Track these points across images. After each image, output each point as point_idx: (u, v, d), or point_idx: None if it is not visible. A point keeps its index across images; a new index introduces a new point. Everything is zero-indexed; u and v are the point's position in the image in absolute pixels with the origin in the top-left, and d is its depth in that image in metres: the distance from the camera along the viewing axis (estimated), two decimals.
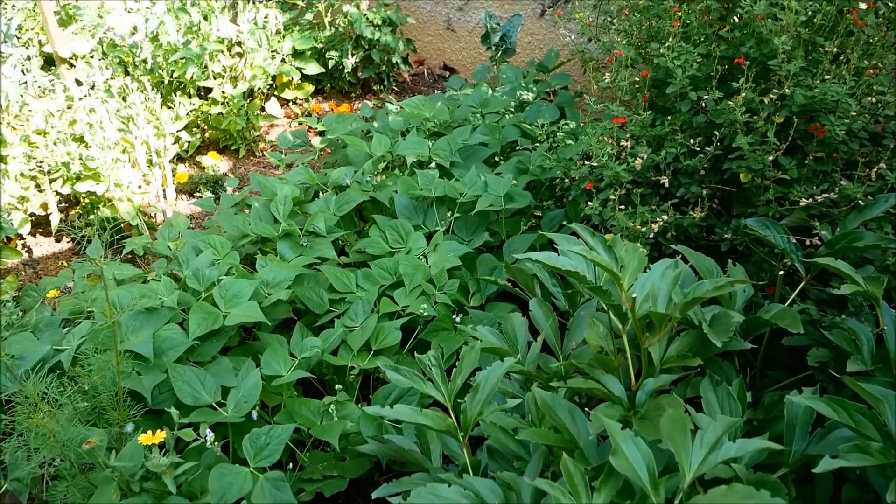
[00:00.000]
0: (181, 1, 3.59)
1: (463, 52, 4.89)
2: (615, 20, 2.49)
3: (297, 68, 4.15)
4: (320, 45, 4.30)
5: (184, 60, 3.50)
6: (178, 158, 3.81)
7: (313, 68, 4.24)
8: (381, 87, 4.60)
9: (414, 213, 2.76)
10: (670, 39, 2.08)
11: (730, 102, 1.91)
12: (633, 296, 1.24)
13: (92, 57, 3.33)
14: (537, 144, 3.19)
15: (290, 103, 4.43)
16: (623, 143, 2.00)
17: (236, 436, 1.91)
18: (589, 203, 2.06)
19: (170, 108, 3.80)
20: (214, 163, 3.70)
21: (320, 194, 2.87)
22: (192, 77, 3.53)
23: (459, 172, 2.96)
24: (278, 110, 4.27)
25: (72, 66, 3.04)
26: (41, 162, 2.98)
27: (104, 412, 1.79)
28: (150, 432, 1.58)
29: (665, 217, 1.95)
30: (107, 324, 1.83)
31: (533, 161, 2.86)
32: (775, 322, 1.58)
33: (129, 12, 3.05)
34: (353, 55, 4.29)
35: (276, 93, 4.30)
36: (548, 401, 1.42)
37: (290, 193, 2.68)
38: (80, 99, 3.01)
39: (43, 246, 3.41)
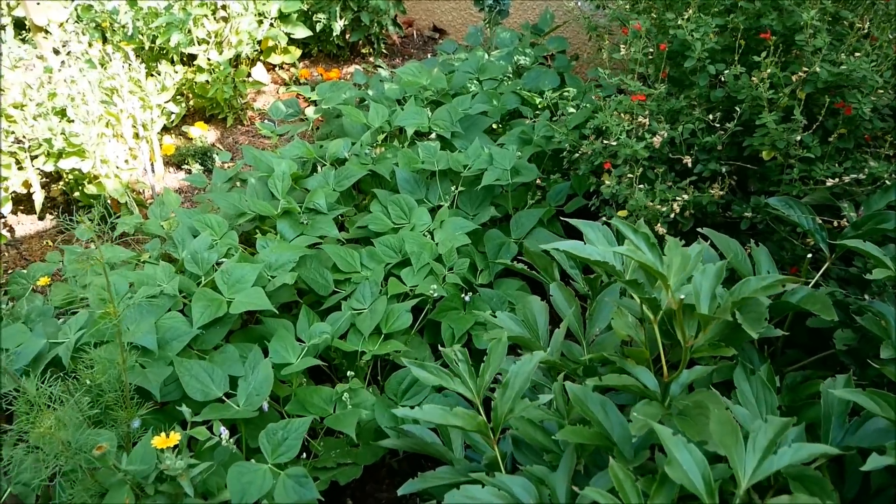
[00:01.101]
0: None
1: (453, 13, 4.75)
2: None
3: (284, 33, 4.01)
4: (307, 7, 4.14)
5: (166, 26, 3.35)
6: (164, 129, 3.69)
7: (301, 32, 4.10)
8: (371, 50, 4.47)
9: (416, 186, 2.69)
10: (688, 10, 2.00)
11: (752, 78, 1.85)
12: (681, 297, 1.19)
13: (67, 22, 3.17)
14: (538, 112, 3.11)
15: (277, 68, 4.28)
16: (641, 119, 1.93)
17: (248, 429, 1.86)
18: (606, 182, 2.00)
19: (153, 76, 3.65)
20: (202, 133, 3.58)
21: (318, 168, 2.78)
22: (176, 44, 3.39)
23: (461, 143, 2.88)
24: (265, 76, 4.13)
25: (48, 33, 2.89)
26: (21, 138, 2.84)
27: (110, 410, 1.72)
28: (162, 434, 1.52)
29: (685, 196, 1.90)
30: (107, 316, 1.75)
31: (537, 131, 2.79)
32: (804, 307, 1.54)
33: None
34: (341, 18, 4.15)
35: (262, 58, 4.16)
36: (579, 395, 1.38)
37: (287, 169, 2.59)
38: (59, 70, 2.87)
39: (26, 224, 3.29)
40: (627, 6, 2.43)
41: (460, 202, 2.64)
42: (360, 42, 4.41)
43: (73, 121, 2.76)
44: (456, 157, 2.68)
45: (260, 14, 3.83)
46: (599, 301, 1.70)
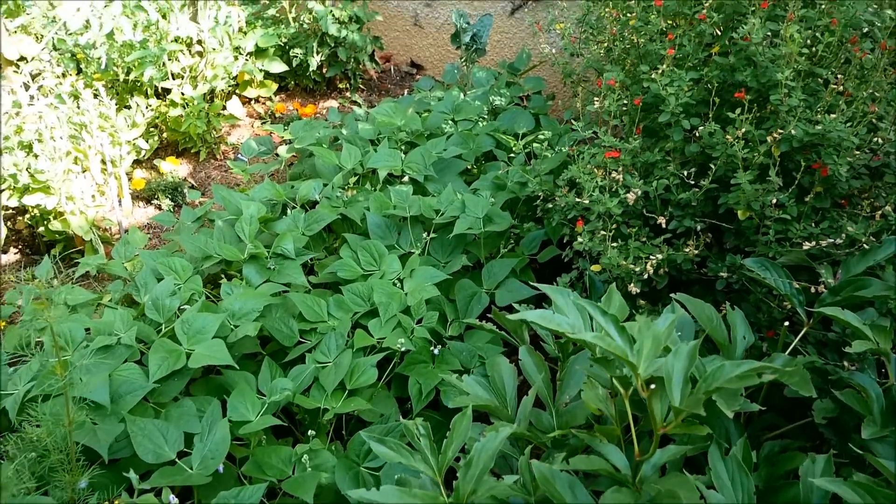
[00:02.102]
0: None
1: (431, 49, 4.74)
2: (600, 36, 2.37)
3: (259, 68, 3.96)
4: (284, 42, 4.10)
5: (140, 60, 3.29)
6: (136, 162, 3.61)
7: (277, 66, 4.05)
8: (348, 84, 4.43)
9: (387, 231, 2.63)
10: (662, 64, 1.97)
11: (727, 136, 1.82)
12: (651, 386, 1.13)
13: (43, 51, 3.10)
14: (512, 155, 3.08)
15: (253, 101, 4.23)
16: (615, 174, 1.89)
17: (202, 492, 1.77)
18: (579, 239, 1.95)
19: (127, 107, 3.58)
20: (173, 168, 3.50)
21: (288, 210, 2.71)
22: (149, 78, 3.32)
23: (434, 186, 2.83)
24: (240, 109, 4.07)
25: (18, 68, 2.82)
26: None
27: (54, 473, 1.63)
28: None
29: (659, 256, 1.85)
30: (57, 372, 1.67)
31: (511, 177, 2.74)
32: (780, 379, 1.50)
33: (79, 11, 2.83)
34: (318, 53, 4.11)
35: (237, 91, 4.10)
36: (546, 474, 1.31)
37: (255, 213, 2.52)
38: (30, 104, 2.79)
39: None
40: (601, 52, 2.41)
41: (432, 248, 2.59)
42: (338, 77, 4.38)
43: (38, 156, 2.68)
44: (428, 202, 2.63)
45: (236, 49, 3.78)
46: (570, 367, 1.64)
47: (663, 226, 1.91)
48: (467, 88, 3.81)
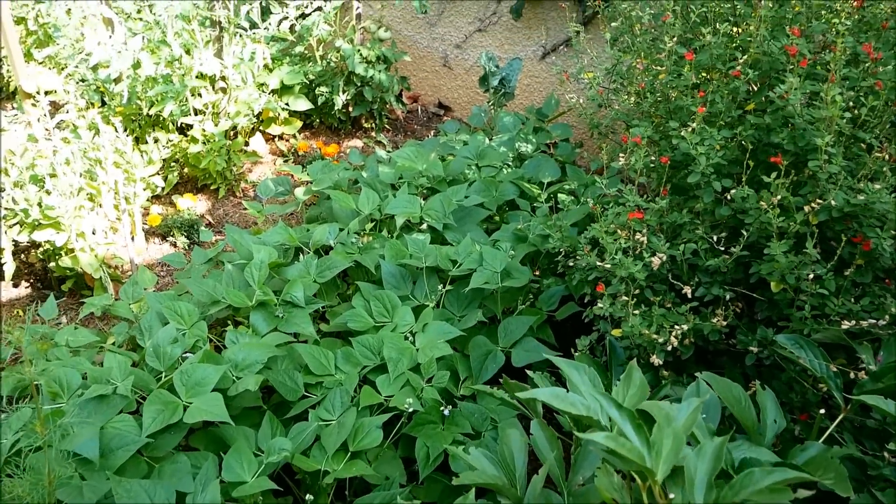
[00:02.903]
0: (161, 31, 3.35)
1: (459, 91, 4.69)
2: (630, 87, 2.28)
3: (284, 106, 3.93)
4: (310, 80, 4.08)
5: (162, 95, 3.26)
6: (153, 198, 3.57)
7: (302, 104, 4.02)
8: (374, 124, 4.39)
9: (402, 281, 2.54)
10: (693, 121, 1.87)
11: (761, 202, 1.70)
12: (671, 496, 1.02)
13: (66, 91, 3.09)
14: (536, 205, 2.98)
15: (276, 139, 4.20)
16: (639, 236, 1.78)
17: None
18: (599, 304, 1.84)
19: (146, 142, 3.56)
20: (191, 205, 3.46)
21: (301, 255, 2.64)
22: (170, 114, 3.29)
23: (453, 235, 2.74)
24: (263, 146, 4.04)
25: (36, 102, 2.79)
26: None
27: None
28: None
29: (685, 326, 1.73)
30: (37, 429, 1.58)
31: (532, 229, 2.65)
32: (813, 473, 1.36)
33: (100, 44, 2.81)
34: (344, 92, 4.08)
35: (261, 127, 4.07)
36: None
37: (266, 259, 2.44)
38: (46, 138, 2.76)
39: None
40: (631, 101, 2.31)
41: (447, 301, 2.49)
42: (363, 116, 4.34)
43: (51, 192, 2.64)
44: (445, 252, 2.54)
45: (260, 86, 3.75)
46: (584, 447, 1.52)
47: (689, 294, 1.79)
48: (494, 132, 3.74)
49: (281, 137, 4.20)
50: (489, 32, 4.40)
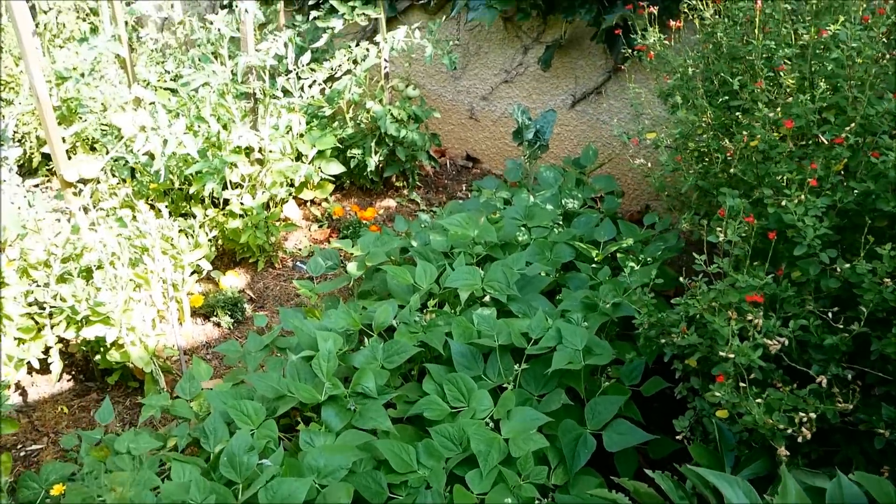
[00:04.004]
0: (196, 106, 3.29)
1: (487, 142, 4.62)
2: (691, 143, 2.18)
3: (317, 168, 3.85)
4: (341, 140, 4.00)
5: (201, 174, 3.18)
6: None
7: (335, 168, 3.94)
8: (405, 182, 4.31)
9: (473, 361, 2.43)
10: (789, 189, 1.78)
11: (876, 278, 1.60)
12: None
13: (101, 179, 3.00)
14: (594, 266, 2.89)
15: (309, 203, 4.11)
16: (752, 318, 1.67)
17: None
18: (715, 392, 1.73)
19: (184, 215, 3.47)
20: (234, 283, 3.36)
21: (365, 339, 2.53)
22: (210, 192, 3.21)
23: (518, 306, 2.64)
24: (296, 212, 3.95)
25: (79, 192, 2.71)
26: (42, 303, 2.62)
27: None
28: None
29: (812, 415, 1.62)
30: None
31: (602, 297, 2.54)
32: None
33: (143, 129, 2.73)
34: (376, 153, 4.00)
35: (294, 193, 3.99)
36: None
37: (333, 349, 2.33)
38: (90, 228, 2.67)
39: (40, 386, 3.03)
40: (716, 170, 2.18)
41: (523, 380, 2.37)
42: (395, 175, 4.26)
43: (99, 288, 2.53)
44: (517, 327, 2.43)
45: (297, 157, 3.68)
46: None
47: (820, 384, 1.68)
48: (530, 185, 3.66)
49: (313, 202, 4.12)
50: (516, 83, 4.34)
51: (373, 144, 3.98)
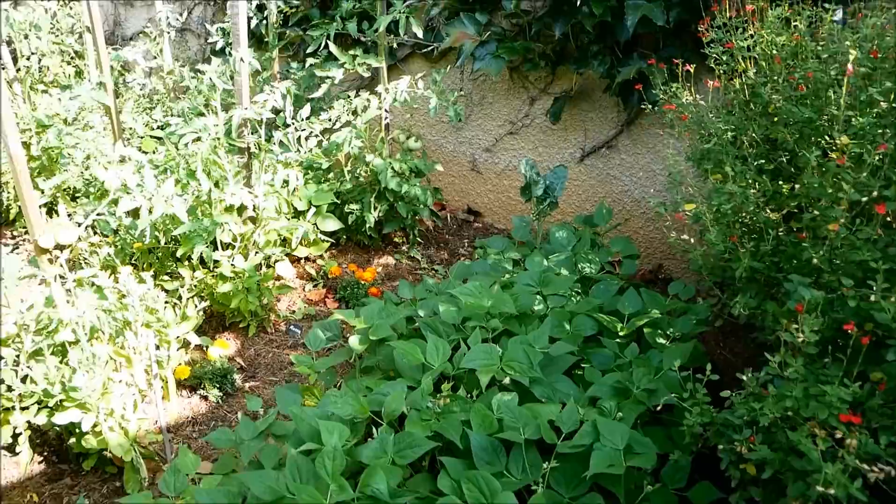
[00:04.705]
0: (185, 161, 3.05)
1: (490, 195, 4.41)
2: (734, 217, 1.97)
3: (314, 227, 3.61)
4: (338, 194, 3.77)
5: (189, 235, 2.93)
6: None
7: (331, 224, 3.70)
8: (405, 238, 4.07)
9: (494, 455, 2.17)
10: (880, 281, 1.56)
11: None
12: None
13: (82, 237, 2.74)
14: (619, 341, 2.66)
15: (303, 260, 3.86)
16: (851, 442, 1.44)
17: None
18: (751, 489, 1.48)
19: (164, 278, 3.20)
20: (223, 352, 3.08)
21: (373, 429, 2.26)
22: (199, 254, 2.95)
23: (541, 390, 2.39)
24: (290, 271, 3.69)
25: (54, 258, 2.44)
26: (10, 387, 2.34)
27: None
28: None
29: None
30: None
31: (636, 382, 2.31)
32: None
33: (129, 192, 2.48)
34: (376, 209, 3.77)
35: (288, 251, 3.74)
36: None
37: (338, 444, 2.07)
38: (67, 300, 2.40)
39: (8, 469, 2.72)
40: (769, 248, 1.95)
41: (553, 479, 2.11)
42: (394, 231, 4.02)
43: (75, 369, 2.26)
44: (545, 416, 2.18)
45: (294, 215, 3.44)
46: None
47: None
48: (538, 244, 3.45)
49: (308, 259, 3.86)
50: (521, 135, 4.15)
51: (372, 199, 3.75)
